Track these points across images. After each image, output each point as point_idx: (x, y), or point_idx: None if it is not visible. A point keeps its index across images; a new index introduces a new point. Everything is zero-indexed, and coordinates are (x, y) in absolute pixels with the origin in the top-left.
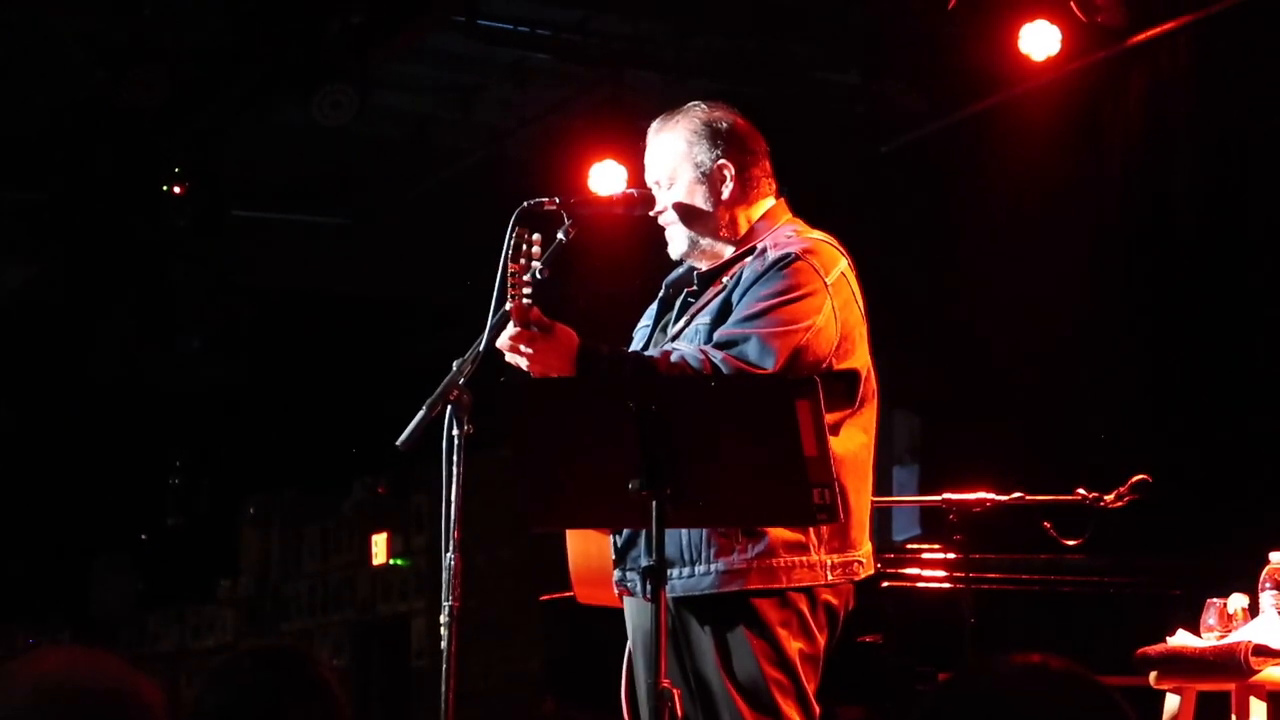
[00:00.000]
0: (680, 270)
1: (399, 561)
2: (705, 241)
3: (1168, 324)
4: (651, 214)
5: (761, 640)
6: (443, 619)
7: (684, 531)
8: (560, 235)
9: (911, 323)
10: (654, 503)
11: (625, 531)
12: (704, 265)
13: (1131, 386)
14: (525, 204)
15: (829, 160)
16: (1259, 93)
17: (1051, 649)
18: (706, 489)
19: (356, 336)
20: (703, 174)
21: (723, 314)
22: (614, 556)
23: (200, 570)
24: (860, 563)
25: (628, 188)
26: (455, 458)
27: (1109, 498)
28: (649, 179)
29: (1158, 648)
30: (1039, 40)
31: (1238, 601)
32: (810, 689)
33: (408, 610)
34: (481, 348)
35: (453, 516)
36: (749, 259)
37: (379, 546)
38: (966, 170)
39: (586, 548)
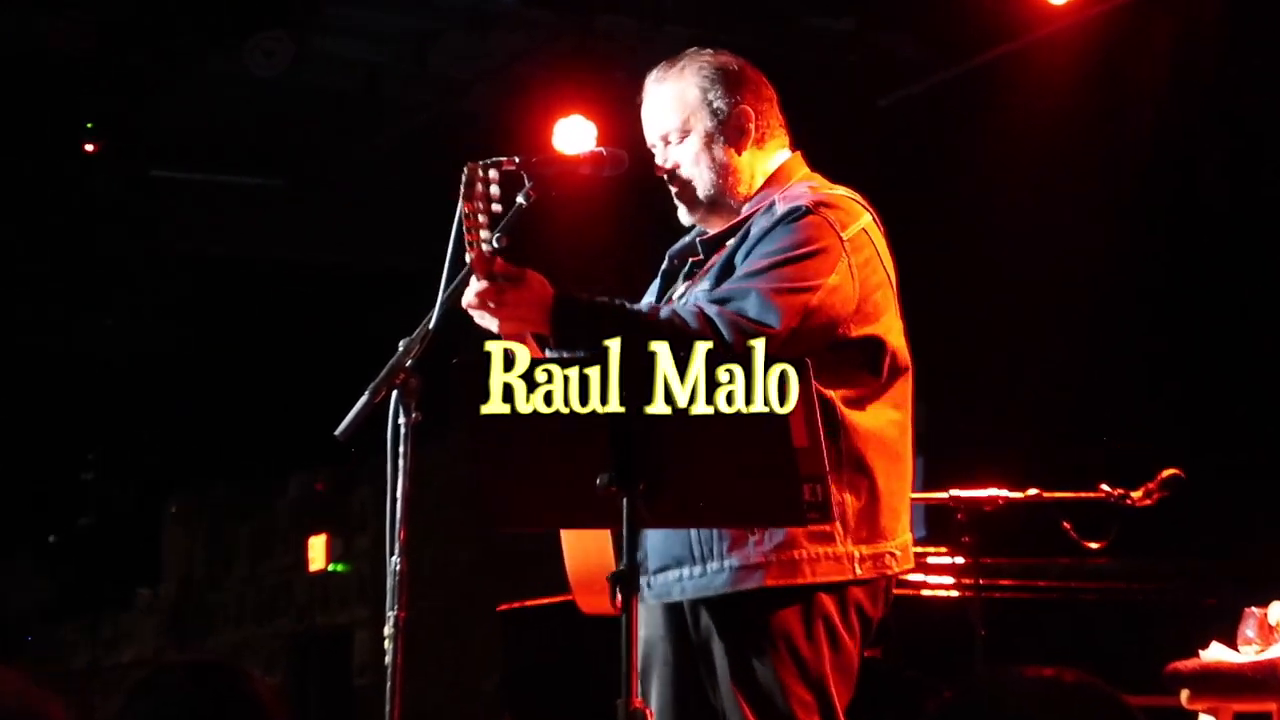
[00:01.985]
0: (685, 239)
1: (339, 567)
2: (722, 200)
3: (1199, 300)
4: (660, 173)
5: (784, 651)
6: (387, 631)
7: None
8: (520, 199)
9: (913, 298)
10: (625, 500)
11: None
12: (714, 230)
13: (1161, 370)
14: (481, 163)
15: (820, 115)
16: None
17: (1070, 664)
18: (684, 485)
19: (296, 312)
20: (721, 121)
21: (723, 277)
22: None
23: (117, 576)
24: (894, 554)
25: (597, 146)
26: (401, 449)
27: (1136, 494)
28: (651, 136)
29: (1190, 663)
30: None
31: (1279, 611)
32: (840, 704)
33: (349, 621)
34: (432, 324)
35: (398, 515)
36: (757, 216)
37: (317, 550)
38: (973, 128)
39: (585, 547)
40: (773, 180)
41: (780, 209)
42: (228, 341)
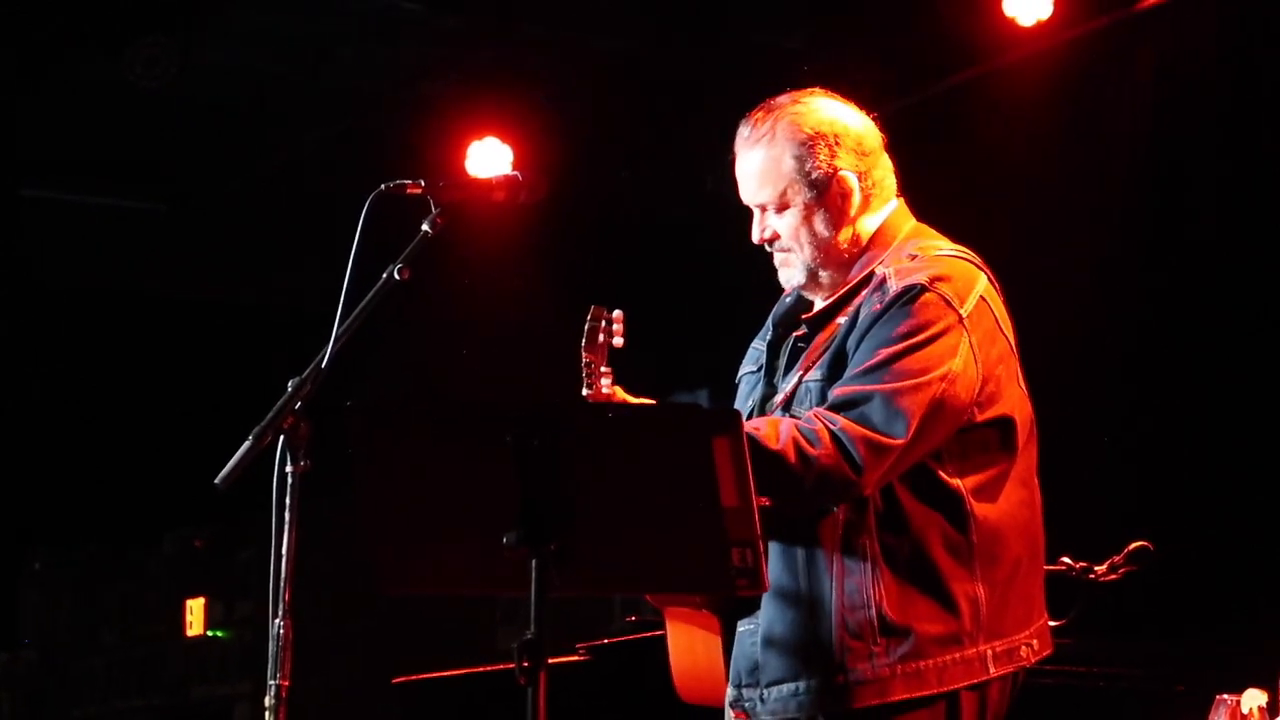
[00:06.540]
0: (789, 300)
1: (219, 633)
2: (826, 272)
3: (1181, 350)
4: (757, 242)
5: None
6: (268, 702)
7: (805, 630)
8: (425, 226)
9: None
10: (534, 562)
11: (736, 636)
12: (820, 297)
13: (1132, 428)
14: (383, 187)
15: None
16: None
17: None
18: (600, 546)
19: (175, 351)
20: (820, 193)
21: (836, 367)
22: (725, 670)
23: None
24: (1029, 645)
25: (512, 170)
26: (288, 501)
27: (1100, 568)
28: (748, 199)
29: None
30: (1028, 0)
31: (1253, 699)
32: None
33: (229, 693)
34: (325, 363)
35: (283, 574)
36: (865, 291)
37: (194, 614)
38: (936, 159)
39: (692, 645)
40: (876, 240)
41: (893, 286)
42: (98, 383)
